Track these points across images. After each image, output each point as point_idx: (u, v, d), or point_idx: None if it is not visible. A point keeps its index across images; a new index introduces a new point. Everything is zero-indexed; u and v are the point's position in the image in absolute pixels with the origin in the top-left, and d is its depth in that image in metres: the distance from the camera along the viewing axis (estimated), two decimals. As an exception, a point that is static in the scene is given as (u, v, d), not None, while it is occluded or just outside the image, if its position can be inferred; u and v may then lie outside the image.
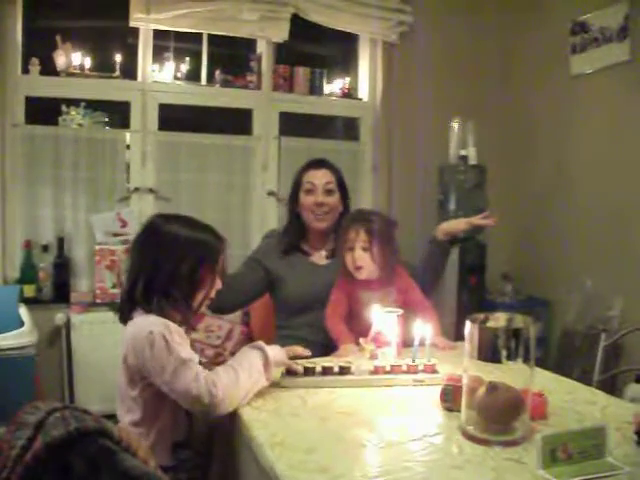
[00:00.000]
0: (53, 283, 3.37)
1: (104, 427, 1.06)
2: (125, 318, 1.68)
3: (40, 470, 1.01)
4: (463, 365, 1.46)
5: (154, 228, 1.72)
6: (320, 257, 2.48)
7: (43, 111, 3.48)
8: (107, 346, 3.08)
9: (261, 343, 1.74)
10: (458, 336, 2.00)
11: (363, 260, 2.14)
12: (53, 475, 1.02)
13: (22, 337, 2.91)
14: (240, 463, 1.56)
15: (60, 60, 3.45)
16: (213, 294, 1.75)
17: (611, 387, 2.67)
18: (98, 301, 3.31)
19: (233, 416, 1.58)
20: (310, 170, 2.48)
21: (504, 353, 1.36)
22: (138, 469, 1.02)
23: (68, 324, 3.27)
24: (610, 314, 3.22)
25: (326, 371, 1.75)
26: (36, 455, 1.01)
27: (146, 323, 1.59)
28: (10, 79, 3.32)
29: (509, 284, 3.87)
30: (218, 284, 1.75)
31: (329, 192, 2.43)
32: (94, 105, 3.55)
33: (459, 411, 1.47)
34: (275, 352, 1.74)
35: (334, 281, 2.26)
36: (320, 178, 2.44)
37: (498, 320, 1.46)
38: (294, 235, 2.49)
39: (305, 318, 2.35)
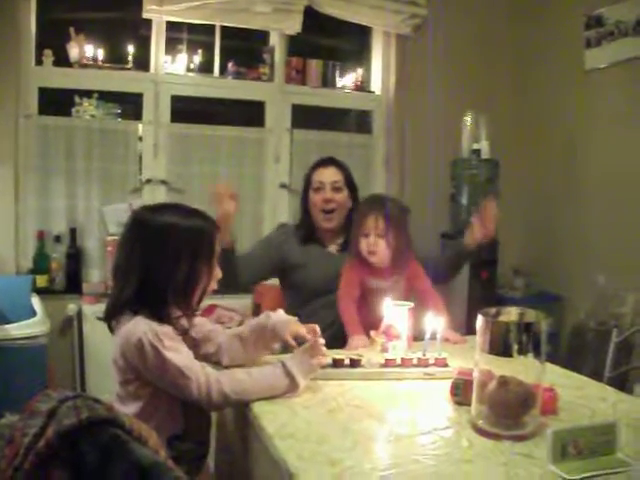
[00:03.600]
0: (65, 273, 3.40)
1: (115, 416, 1.06)
2: (114, 326, 1.61)
3: (52, 458, 1.02)
4: (474, 359, 1.45)
5: (143, 222, 1.62)
6: (334, 248, 2.54)
7: (56, 102, 3.50)
8: (118, 336, 3.09)
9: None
10: (469, 330, 1.99)
11: (378, 246, 2.15)
12: (65, 463, 1.03)
13: (34, 327, 2.94)
14: (250, 453, 1.57)
15: (73, 51, 3.46)
16: (214, 285, 1.70)
17: (622, 384, 2.65)
18: (110, 292, 3.31)
19: (243, 407, 1.58)
20: (318, 169, 2.54)
21: (515, 347, 1.36)
22: (149, 458, 1.02)
23: (80, 314, 3.29)
24: (622, 310, 3.20)
25: (337, 363, 1.75)
26: (48, 443, 1.02)
27: (134, 328, 1.52)
28: (23, 70, 3.34)
29: (521, 279, 3.86)
30: (218, 273, 1.69)
31: (337, 190, 2.48)
32: (107, 96, 3.57)
33: (469, 405, 1.47)
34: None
35: None
36: (328, 176, 2.50)
37: (510, 314, 1.45)
38: (307, 230, 2.54)
39: (321, 301, 2.40)
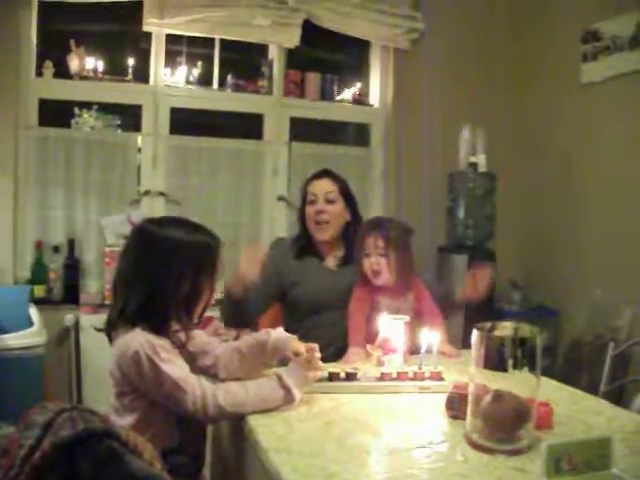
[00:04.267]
0: (63, 284, 3.40)
1: (111, 428, 1.07)
2: (113, 337, 1.61)
3: (48, 470, 1.02)
4: (469, 373, 1.46)
5: (148, 236, 1.63)
6: (331, 262, 2.50)
7: (56, 114, 3.52)
8: (115, 348, 3.09)
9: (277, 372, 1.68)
10: (466, 344, 1.99)
11: (380, 265, 2.16)
12: (60, 475, 1.03)
13: (31, 337, 2.94)
14: (245, 467, 1.57)
15: (73, 63, 3.49)
16: (213, 301, 1.71)
17: (618, 397, 2.65)
18: (107, 302, 3.32)
19: (237, 420, 1.58)
20: (313, 181, 2.52)
21: (510, 362, 1.37)
22: (144, 471, 1.03)
23: (77, 325, 3.29)
24: (618, 324, 3.20)
25: (332, 377, 1.75)
26: (44, 455, 1.02)
27: (131, 341, 1.53)
28: (24, 82, 3.36)
29: (518, 292, 3.86)
30: (217, 290, 1.71)
31: (330, 201, 2.45)
32: (106, 108, 3.59)
33: (464, 419, 1.47)
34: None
35: (345, 286, 2.29)
36: (321, 188, 2.48)
37: (505, 329, 1.46)
38: (303, 243, 2.51)
39: (317, 320, 2.38)
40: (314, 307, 2.39)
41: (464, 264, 3.58)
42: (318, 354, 1.71)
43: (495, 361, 1.38)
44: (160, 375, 1.50)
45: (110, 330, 1.63)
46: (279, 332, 1.83)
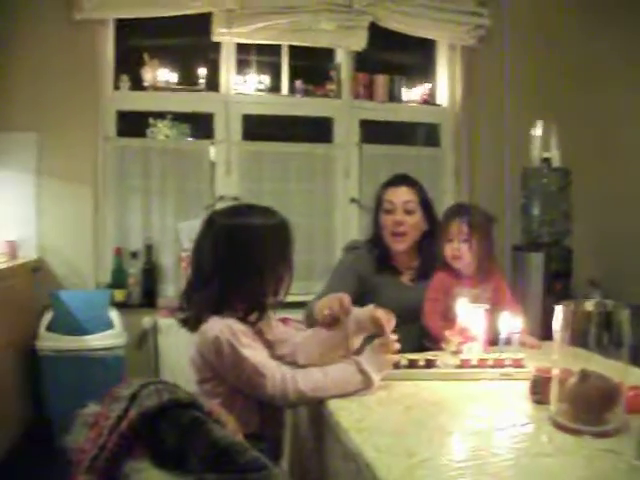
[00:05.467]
0: (142, 288, 3.50)
1: (195, 399, 1.09)
2: (194, 325, 1.62)
3: (134, 438, 1.05)
4: (553, 355, 1.41)
5: (221, 225, 1.64)
6: (407, 277, 2.41)
7: (133, 124, 3.66)
8: (193, 349, 3.16)
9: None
10: (544, 337, 1.96)
11: (462, 251, 2.14)
12: (146, 443, 1.05)
13: (113, 338, 3.06)
14: (323, 451, 1.56)
15: (148, 76, 3.62)
16: (291, 284, 1.71)
17: None
18: (186, 293, 3.39)
19: (316, 405, 1.58)
20: (390, 188, 2.39)
21: (596, 340, 1.32)
22: (227, 439, 1.04)
23: (155, 328, 3.38)
24: None
25: (412, 364, 1.74)
26: (130, 424, 1.05)
27: (212, 327, 1.55)
28: (103, 95, 3.52)
29: (596, 290, 3.73)
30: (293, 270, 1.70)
31: (409, 212, 2.34)
32: (180, 117, 3.70)
33: (549, 404, 1.43)
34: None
35: (418, 303, 2.21)
36: (399, 197, 2.35)
37: (589, 306, 1.41)
38: (381, 254, 2.41)
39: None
40: None
41: (540, 262, 3.49)
42: (394, 336, 1.68)
43: (581, 339, 1.33)
44: (240, 360, 1.51)
45: (191, 320, 1.65)
46: (356, 309, 1.79)
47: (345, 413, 1.46)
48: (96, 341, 3.01)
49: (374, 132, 3.94)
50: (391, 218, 2.34)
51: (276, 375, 1.53)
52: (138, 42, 3.72)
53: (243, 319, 1.61)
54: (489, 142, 3.84)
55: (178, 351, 3.28)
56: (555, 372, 1.42)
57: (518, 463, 1.20)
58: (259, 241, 1.62)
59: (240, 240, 1.61)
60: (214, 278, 1.61)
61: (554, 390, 1.41)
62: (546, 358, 1.61)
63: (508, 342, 1.82)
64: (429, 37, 3.93)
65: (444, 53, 4.04)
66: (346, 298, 1.75)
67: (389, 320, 1.71)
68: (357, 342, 1.73)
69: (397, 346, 1.67)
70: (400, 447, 1.25)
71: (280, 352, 1.79)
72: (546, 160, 3.57)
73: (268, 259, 1.62)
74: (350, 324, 1.73)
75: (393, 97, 3.96)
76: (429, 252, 2.33)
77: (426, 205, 2.40)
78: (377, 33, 3.73)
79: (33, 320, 3.12)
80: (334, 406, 1.51)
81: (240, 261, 1.60)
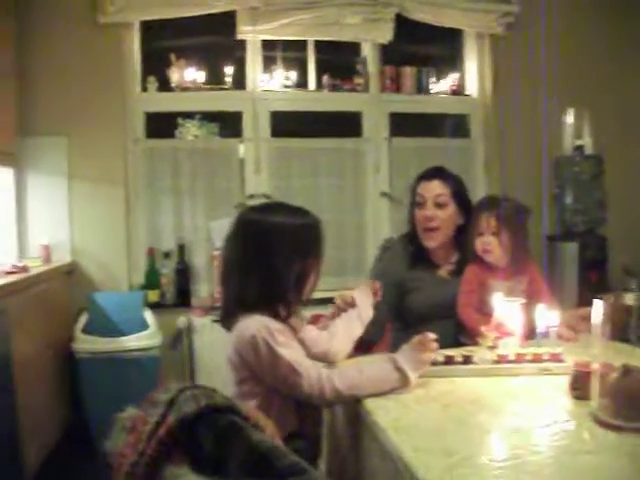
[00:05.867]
0: (175, 288, 3.52)
1: (233, 404, 1.08)
2: (230, 324, 1.62)
3: (172, 444, 1.05)
4: (592, 350, 1.38)
5: (253, 223, 1.64)
6: (445, 271, 2.35)
7: (161, 125, 3.67)
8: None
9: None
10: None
11: (491, 244, 2.11)
12: (185, 449, 1.05)
13: (148, 339, 3.08)
14: (360, 451, 1.55)
15: (174, 76, 3.63)
16: (317, 283, 1.70)
17: None
18: (218, 305, 3.40)
19: (353, 405, 1.57)
20: (422, 181, 2.33)
21: (637, 334, 1.29)
22: (266, 444, 1.03)
23: (190, 327, 3.40)
24: None
25: (448, 360, 1.71)
26: (169, 430, 1.04)
27: (248, 325, 1.55)
28: (130, 97, 3.54)
29: (633, 279, 3.64)
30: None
31: (440, 205, 2.26)
32: (208, 117, 3.70)
33: (589, 400, 1.40)
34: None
35: (456, 296, 2.17)
36: (431, 190, 2.28)
37: (629, 299, 1.37)
38: (416, 249, 2.36)
39: (425, 329, 2.28)
40: (424, 317, 2.24)
41: (574, 252, 3.44)
42: (432, 335, 1.66)
43: (620, 332, 1.30)
44: (276, 358, 1.51)
45: (227, 319, 1.65)
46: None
47: (382, 412, 1.44)
48: (131, 342, 3.03)
49: (403, 125, 3.90)
50: (422, 213, 2.28)
51: (312, 374, 1.52)
52: (164, 43, 3.73)
53: (278, 316, 1.60)
54: (520, 131, 3.77)
55: (213, 350, 3.30)
56: (595, 367, 1.39)
57: (559, 461, 1.18)
58: (284, 238, 1.61)
59: (265, 236, 1.61)
60: (242, 274, 1.61)
61: (595, 385, 1.38)
62: (584, 352, 1.58)
63: (545, 335, 1.78)
64: (456, 27, 3.87)
65: (472, 42, 3.98)
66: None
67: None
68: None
69: (435, 345, 1.64)
70: (438, 446, 1.24)
71: (313, 353, 1.79)
72: (579, 148, 3.51)
73: (294, 257, 1.61)
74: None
75: (421, 89, 3.92)
76: (468, 246, 2.28)
77: (461, 198, 2.32)
78: (403, 24, 3.70)
79: (69, 323, 3.17)
80: (371, 405, 1.49)
81: (265, 258, 1.59)
